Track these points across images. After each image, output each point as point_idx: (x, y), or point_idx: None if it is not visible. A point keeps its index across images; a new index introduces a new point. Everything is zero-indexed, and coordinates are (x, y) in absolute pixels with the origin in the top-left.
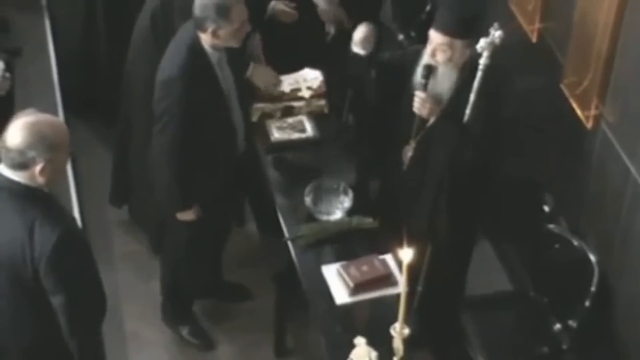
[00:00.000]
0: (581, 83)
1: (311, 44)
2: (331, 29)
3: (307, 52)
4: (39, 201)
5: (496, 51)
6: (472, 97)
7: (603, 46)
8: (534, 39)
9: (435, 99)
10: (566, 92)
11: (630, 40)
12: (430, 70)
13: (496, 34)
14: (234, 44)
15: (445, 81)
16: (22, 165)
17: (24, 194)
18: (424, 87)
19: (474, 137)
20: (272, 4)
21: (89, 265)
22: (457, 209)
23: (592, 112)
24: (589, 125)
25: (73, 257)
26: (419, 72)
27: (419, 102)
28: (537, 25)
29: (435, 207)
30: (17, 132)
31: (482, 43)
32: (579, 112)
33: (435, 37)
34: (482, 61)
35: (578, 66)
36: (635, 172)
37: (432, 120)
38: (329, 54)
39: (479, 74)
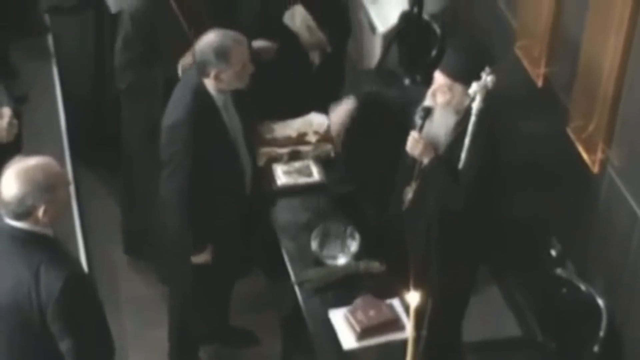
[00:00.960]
0: (587, 127)
1: (298, 76)
2: (315, 58)
3: (295, 87)
4: (44, 246)
5: (490, 95)
6: (466, 141)
7: (608, 90)
8: (539, 84)
9: (429, 141)
10: (572, 136)
11: (636, 84)
12: (428, 112)
13: (488, 78)
14: (239, 85)
15: (442, 125)
16: (23, 214)
17: (29, 240)
18: (420, 128)
19: (466, 183)
20: (252, 44)
21: (96, 309)
22: (448, 254)
23: (599, 156)
24: (595, 169)
25: (80, 301)
26: (418, 112)
27: (412, 142)
28: (542, 69)
29: (427, 251)
30: (10, 183)
31: (475, 87)
32: (585, 156)
33: (438, 77)
34: (475, 105)
35: (584, 110)
36: None
37: (425, 162)
38: (317, 85)
39: (473, 118)
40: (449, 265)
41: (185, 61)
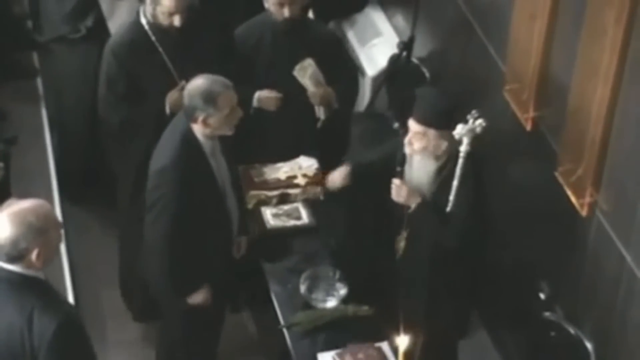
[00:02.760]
0: (575, 171)
1: (301, 130)
2: (321, 113)
3: (297, 140)
4: (36, 289)
5: (478, 138)
6: (454, 184)
7: (597, 134)
8: (528, 128)
9: (412, 187)
10: (561, 180)
11: (624, 129)
12: (404, 158)
13: (477, 122)
14: (226, 131)
15: (422, 171)
16: (17, 257)
17: (22, 283)
18: (400, 175)
19: (456, 225)
20: (257, 94)
21: (88, 352)
22: (443, 295)
23: (587, 199)
24: (584, 212)
25: (73, 344)
26: (397, 161)
27: (395, 189)
28: (531, 113)
29: (423, 295)
30: (3, 225)
31: (460, 129)
32: (573, 199)
33: (411, 125)
34: (463, 148)
35: (572, 154)
36: (631, 260)
37: (412, 207)
38: (321, 139)
39: (460, 161)
40: (445, 307)
41: (172, 97)
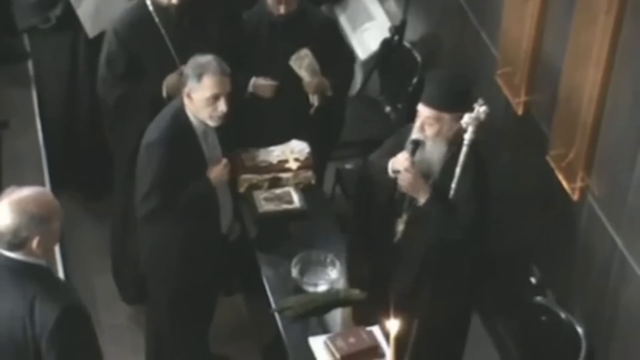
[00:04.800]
0: (567, 155)
1: (295, 117)
2: (315, 100)
3: (291, 126)
4: (39, 277)
5: (481, 125)
6: (457, 171)
7: (588, 119)
8: (519, 112)
9: (420, 174)
10: (552, 164)
11: (615, 113)
12: (417, 145)
13: (481, 109)
14: (206, 118)
15: (434, 155)
16: (18, 245)
17: (23, 271)
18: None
19: (462, 218)
20: (252, 80)
21: (92, 339)
22: (444, 287)
23: (578, 184)
24: (575, 197)
25: (75, 332)
26: (407, 146)
27: (405, 178)
28: (522, 98)
29: (419, 283)
30: (4, 214)
31: (467, 119)
32: (565, 184)
33: (423, 110)
34: (467, 136)
35: (564, 138)
36: (622, 245)
37: (420, 202)
38: (314, 126)
39: (464, 149)
40: (446, 297)
41: (171, 81)
